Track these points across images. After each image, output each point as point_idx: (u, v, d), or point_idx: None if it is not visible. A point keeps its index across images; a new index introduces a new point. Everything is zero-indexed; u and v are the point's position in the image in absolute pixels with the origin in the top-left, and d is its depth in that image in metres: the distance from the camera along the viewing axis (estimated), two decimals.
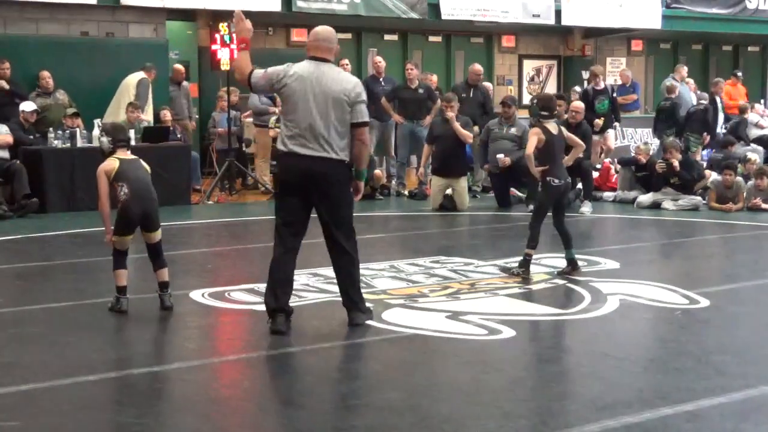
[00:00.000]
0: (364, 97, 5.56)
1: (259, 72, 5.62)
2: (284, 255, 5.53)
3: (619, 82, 17.37)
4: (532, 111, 7.33)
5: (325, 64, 5.54)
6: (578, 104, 11.78)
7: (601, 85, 13.41)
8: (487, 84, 16.22)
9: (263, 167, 13.75)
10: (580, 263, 7.30)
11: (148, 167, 6.27)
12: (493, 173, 12.14)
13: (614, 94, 13.62)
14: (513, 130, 11.86)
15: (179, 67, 14.17)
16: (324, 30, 5.65)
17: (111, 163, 6.19)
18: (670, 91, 14.63)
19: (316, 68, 5.50)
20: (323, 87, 5.43)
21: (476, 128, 12.44)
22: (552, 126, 7.23)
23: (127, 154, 6.23)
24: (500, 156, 11.63)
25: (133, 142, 11.82)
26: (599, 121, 12.78)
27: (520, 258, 7.15)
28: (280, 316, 5.47)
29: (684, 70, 15.57)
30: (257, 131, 13.75)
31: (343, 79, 5.54)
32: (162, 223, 9.90)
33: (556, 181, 7.17)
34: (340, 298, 5.73)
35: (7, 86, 11.91)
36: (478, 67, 13.64)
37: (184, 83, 14.12)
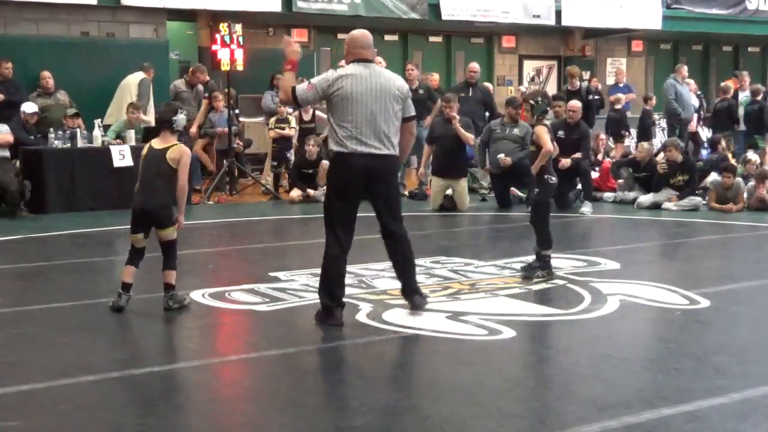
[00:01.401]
0: (410, 93, 5.92)
1: (302, 86, 5.72)
2: (342, 255, 5.70)
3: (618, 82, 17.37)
4: (538, 108, 7.22)
5: (372, 64, 5.75)
6: (574, 103, 11.74)
7: (576, 86, 13.30)
8: (488, 84, 16.26)
9: (267, 167, 13.80)
10: (580, 263, 7.32)
11: (176, 157, 5.95)
12: (493, 174, 12.14)
13: (590, 96, 13.52)
14: (516, 131, 11.82)
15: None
16: (365, 34, 5.82)
17: (145, 148, 6.17)
18: (725, 92, 14.75)
19: (366, 68, 5.67)
20: (380, 85, 5.63)
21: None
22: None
23: (166, 138, 6.05)
24: (501, 156, 11.63)
25: (133, 142, 11.90)
26: None
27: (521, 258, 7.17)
28: (338, 309, 5.66)
29: (684, 70, 15.60)
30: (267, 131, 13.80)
31: (393, 77, 5.84)
32: None
33: (553, 178, 7.24)
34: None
35: (2, 97, 11.89)
36: (474, 65, 13.61)
37: (199, 86, 14.11)
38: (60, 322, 5.84)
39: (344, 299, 5.75)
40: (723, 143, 13.77)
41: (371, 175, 5.61)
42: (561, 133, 11.06)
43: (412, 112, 5.87)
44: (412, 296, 5.88)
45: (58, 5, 13.31)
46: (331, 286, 5.66)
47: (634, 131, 15.74)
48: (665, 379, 4.59)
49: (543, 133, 7.13)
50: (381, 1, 15.47)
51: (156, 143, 6.06)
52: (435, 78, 14.78)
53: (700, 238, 9.86)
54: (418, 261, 7.70)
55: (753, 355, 5.05)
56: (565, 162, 10.97)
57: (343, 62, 14.17)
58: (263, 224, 10.91)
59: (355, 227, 5.76)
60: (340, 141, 5.59)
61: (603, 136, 14.60)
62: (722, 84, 15.56)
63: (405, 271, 5.90)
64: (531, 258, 7.34)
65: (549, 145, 7.09)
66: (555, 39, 19.29)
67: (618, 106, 14.95)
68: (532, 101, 7.24)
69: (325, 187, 12.47)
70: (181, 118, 6.09)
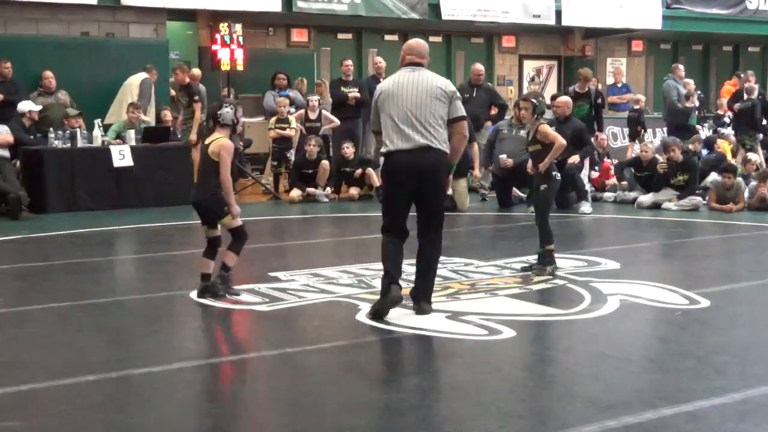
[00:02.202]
0: (458, 94, 5.93)
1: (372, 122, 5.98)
2: (399, 248, 5.82)
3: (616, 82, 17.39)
4: (538, 108, 7.27)
5: (420, 68, 5.83)
6: (563, 98, 11.75)
7: (585, 89, 13.21)
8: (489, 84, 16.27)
9: (268, 167, 13.80)
10: (580, 263, 7.35)
11: (216, 151, 6.17)
12: (496, 174, 12.15)
13: (599, 100, 13.53)
14: (522, 132, 11.80)
15: (195, 71, 14.17)
16: (419, 42, 6.00)
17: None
18: (750, 92, 14.79)
19: (411, 71, 5.80)
20: (421, 82, 5.73)
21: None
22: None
23: (215, 135, 6.28)
24: (502, 157, 11.65)
25: (133, 142, 11.91)
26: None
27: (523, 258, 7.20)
28: (395, 286, 5.72)
29: (681, 70, 15.59)
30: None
31: (438, 78, 5.89)
32: (162, 223, 9.93)
33: (559, 175, 7.35)
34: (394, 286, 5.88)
35: (1, 96, 11.89)
36: (478, 66, 13.59)
37: (200, 86, 14.08)
38: (60, 322, 5.85)
39: (393, 285, 5.84)
40: (718, 142, 13.79)
41: (419, 171, 5.66)
42: (552, 129, 11.04)
43: (461, 113, 5.83)
44: (420, 302, 5.87)
45: (59, 5, 13.31)
46: (388, 269, 5.75)
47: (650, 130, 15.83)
48: (665, 379, 4.59)
49: (550, 130, 7.26)
50: (381, 1, 15.47)
51: (207, 139, 6.36)
52: None
53: (700, 238, 9.86)
54: None
55: (753, 355, 5.05)
56: (575, 158, 11.05)
57: (349, 61, 14.27)
58: (263, 224, 10.90)
59: (405, 221, 5.84)
60: (387, 140, 5.71)
61: (603, 135, 14.60)
62: (746, 84, 15.53)
63: (423, 276, 5.92)
64: (531, 258, 7.36)
65: (562, 139, 7.23)
66: (555, 39, 19.29)
67: (637, 106, 15.00)
68: (534, 100, 7.27)
69: (326, 189, 12.66)
70: (226, 112, 6.26)
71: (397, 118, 5.67)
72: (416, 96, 5.68)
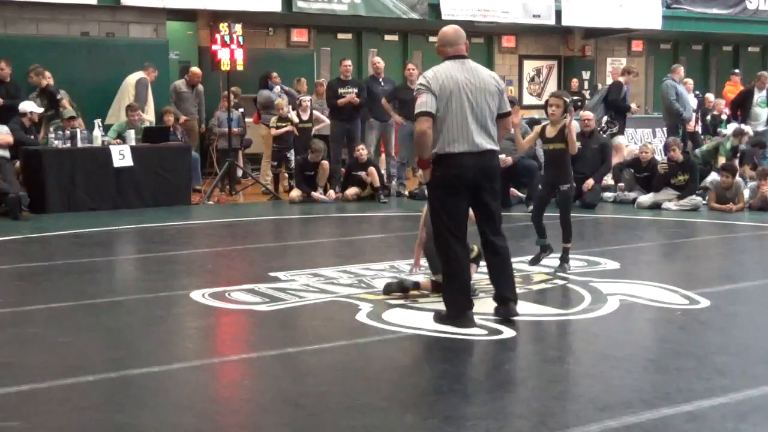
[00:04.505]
0: (504, 87, 5.77)
1: (420, 102, 5.45)
2: (467, 256, 5.64)
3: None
4: (568, 107, 7.27)
5: (468, 61, 5.63)
6: (587, 113, 11.95)
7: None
8: None
9: (266, 167, 13.78)
10: (580, 263, 7.36)
11: None
12: None
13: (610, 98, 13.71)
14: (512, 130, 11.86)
15: (196, 70, 14.19)
16: (456, 30, 5.69)
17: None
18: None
19: (463, 65, 5.56)
20: (479, 81, 5.52)
21: None
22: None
23: None
24: (501, 156, 11.67)
25: (133, 142, 11.91)
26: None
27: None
28: (471, 312, 5.58)
29: (681, 70, 15.59)
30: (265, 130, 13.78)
31: (489, 72, 5.69)
32: (162, 223, 9.94)
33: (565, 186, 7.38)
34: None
35: (1, 101, 11.87)
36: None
37: (200, 86, 14.09)
38: (60, 322, 5.84)
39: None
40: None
41: (482, 174, 5.49)
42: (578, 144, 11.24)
43: (508, 108, 5.70)
44: (510, 302, 5.72)
45: (58, 5, 13.32)
46: (463, 288, 5.59)
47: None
48: (665, 379, 4.58)
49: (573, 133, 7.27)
50: (381, 1, 15.48)
51: None
52: None
53: (700, 238, 9.87)
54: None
55: (753, 355, 5.05)
56: (589, 183, 11.51)
57: (348, 61, 14.19)
58: (263, 224, 10.91)
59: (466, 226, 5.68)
60: (447, 141, 5.44)
61: None
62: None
63: (499, 279, 5.76)
64: (527, 257, 7.39)
65: (529, 139, 7.41)
66: (555, 39, 19.31)
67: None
68: (566, 99, 7.41)
69: (328, 192, 12.59)
70: None
71: (460, 119, 5.42)
72: (478, 96, 5.46)
